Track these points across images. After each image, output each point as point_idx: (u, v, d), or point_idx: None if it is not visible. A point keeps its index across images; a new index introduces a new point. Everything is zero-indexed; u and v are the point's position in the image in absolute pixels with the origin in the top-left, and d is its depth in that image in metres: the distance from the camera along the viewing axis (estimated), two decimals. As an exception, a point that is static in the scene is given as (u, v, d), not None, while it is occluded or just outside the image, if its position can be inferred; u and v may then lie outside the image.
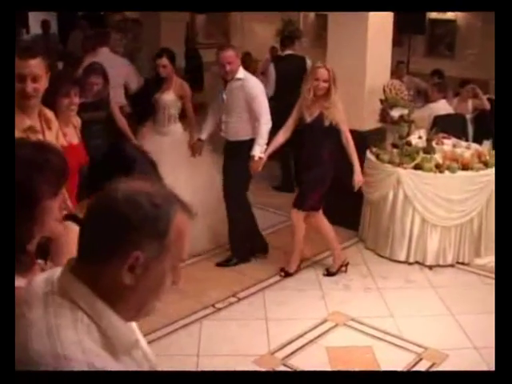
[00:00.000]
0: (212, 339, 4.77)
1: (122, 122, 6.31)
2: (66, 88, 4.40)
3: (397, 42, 7.03)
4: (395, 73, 9.30)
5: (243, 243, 6.14)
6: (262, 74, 12.05)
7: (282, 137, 5.84)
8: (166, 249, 1.49)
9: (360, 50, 6.56)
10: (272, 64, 8.55)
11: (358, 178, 5.77)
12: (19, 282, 1.83)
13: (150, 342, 4.78)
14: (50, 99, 4.05)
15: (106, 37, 8.05)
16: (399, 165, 6.05)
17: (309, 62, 8.15)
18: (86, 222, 1.53)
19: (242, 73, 5.81)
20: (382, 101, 6.42)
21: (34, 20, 15.23)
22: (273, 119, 5.85)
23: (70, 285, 1.49)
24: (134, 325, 1.63)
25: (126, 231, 1.44)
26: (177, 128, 6.44)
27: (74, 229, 2.35)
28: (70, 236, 2.32)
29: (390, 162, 6.12)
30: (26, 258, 1.98)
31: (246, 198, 6.12)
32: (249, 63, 12.55)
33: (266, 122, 5.74)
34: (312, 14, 14.10)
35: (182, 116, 6.52)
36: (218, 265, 6.05)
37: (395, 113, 6.27)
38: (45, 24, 13.67)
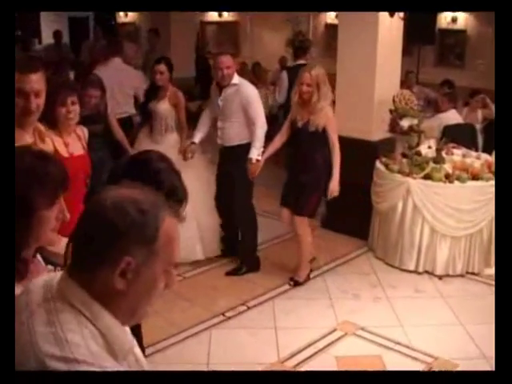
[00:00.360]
0: (222, 347, 4.78)
1: (120, 134, 6.27)
2: (63, 96, 4.19)
3: (406, 52, 7.05)
4: (405, 83, 9.32)
5: (252, 252, 6.17)
6: (272, 84, 12.12)
7: (278, 140, 5.91)
8: (156, 254, 1.52)
9: (370, 60, 6.58)
10: (285, 72, 8.64)
11: (333, 186, 5.67)
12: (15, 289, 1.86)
13: (160, 351, 4.82)
14: (48, 109, 3.93)
15: (118, 46, 8.08)
16: (409, 175, 6.06)
17: None
18: (77, 229, 1.55)
19: (237, 78, 5.92)
20: (391, 111, 6.43)
21: (47, 30, 15.36)
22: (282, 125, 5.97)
23: (68, 289, 1.52)
24: (127, 329, 1.65)
25: (114, 238, 1.47)
26: (173, 137, 6.34)
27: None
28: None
29: (400, 172, 6.13)
30: (20, 265, 2.00)
31: (252, 205, 6.16)
32: (258, 73, 12.61)
33: (261, 126, 5.85)
34: (322, 25, 14.13)
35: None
36: (228, 274, 6.07)
37: (405, 123, 6.28)
38: (57, 34, 13.80)
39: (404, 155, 6.34)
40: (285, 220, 5.96)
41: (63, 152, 4.11)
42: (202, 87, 12.86)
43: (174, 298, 5.45)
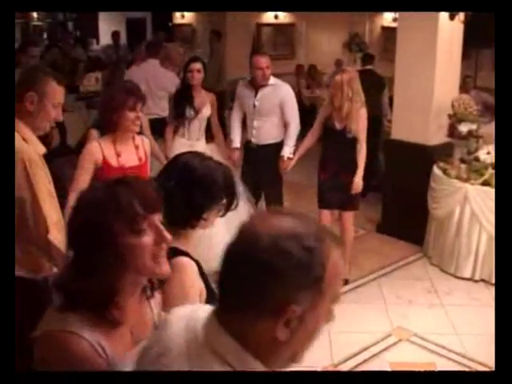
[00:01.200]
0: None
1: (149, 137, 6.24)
2: (133, 101, 3.88)
3: (464, 56, 6.96)
4: (462, 87, 9.19)
5: None
6: (327, 87, 12.10)
7: (309, 140, 6.00)
8: (323, 295, 1.32)
9: (429, 64, 6.52)
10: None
11: (357, 182, 5.73)
12: (106, 343, 1.68)
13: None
14: (111, 113, 3.87)
15: (155, 48, 8.18)
16: (467, 180, 5.98)
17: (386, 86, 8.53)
18: (226, 270, 1.35)
19: (272, 79, 6.07)
20: (450, 115, 6.37)
21: (105, 31, 15.65)
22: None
23: (220, 341, 1.33)
24: None
25: (277, 284, 1.26)
26: (203, 141, 6.24)
27: (186, 264, 2.26)
28: (184, 274, 2.22)
29: (458, 178, 6.06)
30: (114, 312, 1.71)
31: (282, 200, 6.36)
32: (314, 75, 12.62)
33: (296, 126, 6.10)
34: (378, 27, 14.05)
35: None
36: None
37: (463, 128, 6.21)
38: (115, 35, 14.04)
39: (462, 160, 6.26)
40: (325, 221, 5.91)
41: (113, 162, 3.90)
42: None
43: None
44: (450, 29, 6.49)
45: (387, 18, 13.72)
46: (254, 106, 6.10)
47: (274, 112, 6.09)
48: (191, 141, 6.09)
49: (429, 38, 6.47)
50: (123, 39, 15.36)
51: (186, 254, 2.28)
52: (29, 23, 16.09)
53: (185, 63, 6.36)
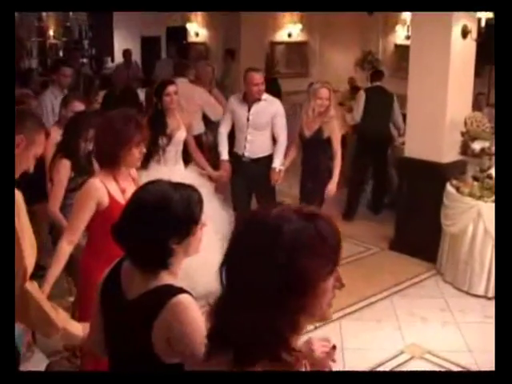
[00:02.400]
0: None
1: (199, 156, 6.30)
2: (140, 139, 3.60)
3: (477, 74, 6.98)
4: (475, 104, 9.21)
5: None
6: (339, 104, 12.14)
7: (293, 151, 6.53)
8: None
9: (442, 82, 6.55)
10: (363, 92, 8.87)
11: (331, 187, 6.21)
12: None
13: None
14: (117, 149, 3.54)
15: (182, 67, 8.27)
16: (480, 198, 5.99)
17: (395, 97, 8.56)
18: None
19: (264, 94, 6.35)
20: (463, 133, 6.39)
21: (119, 49, 15.78)
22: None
23: None
24: None
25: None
26: (180, 166, 6.02)
27: (191, 300, 2.23)
28: (194, 310, 2.21)
29: (471, 195, 6.06)
30: (288, 357, 1.57)
31: None
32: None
33: (285, 139, 6.40)
34: (391, 45, 14.10)
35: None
36: None
37: (477, 145, 6.23)
38: (126, 53, 14.15)
39: (475, 178, 6.27)
40: None
41: (120, 199, 3.56)
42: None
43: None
44: (462, 46, 6.53)
45: (400, 36, 13.76)
46: (248, 119, 6.31)
47: (265, 125, 6.37)
48: (168, 166, 5.84)
49: (441, 56, 6.51)
50: (138, 57, 15.50)
51: (182, 290, 2.24)
52: (45, 42, 16.27)
53: (157, 86, 6.07)
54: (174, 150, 5.91)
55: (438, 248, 6.58)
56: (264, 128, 6.38)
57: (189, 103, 7.56)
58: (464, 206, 6.08)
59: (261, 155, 6.43)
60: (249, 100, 6.35)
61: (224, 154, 6.48)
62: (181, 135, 5.91)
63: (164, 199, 2.24)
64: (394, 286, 6.26)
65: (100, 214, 3.56)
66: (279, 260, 1.47)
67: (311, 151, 6.30)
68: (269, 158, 6.41)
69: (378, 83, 8.79)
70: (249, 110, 6.34)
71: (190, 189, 2.34)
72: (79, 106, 5.62)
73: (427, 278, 6.49)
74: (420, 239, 6.65)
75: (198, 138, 7.19)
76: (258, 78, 6.26)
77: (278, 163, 6.35)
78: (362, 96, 8.70)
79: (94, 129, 4.07)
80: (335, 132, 6.24)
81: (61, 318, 2.84)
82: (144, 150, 3.66)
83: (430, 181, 6.60)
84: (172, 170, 5.73)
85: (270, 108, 6.37)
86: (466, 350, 5.09)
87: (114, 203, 3.54)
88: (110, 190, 3.59)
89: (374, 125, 8.27)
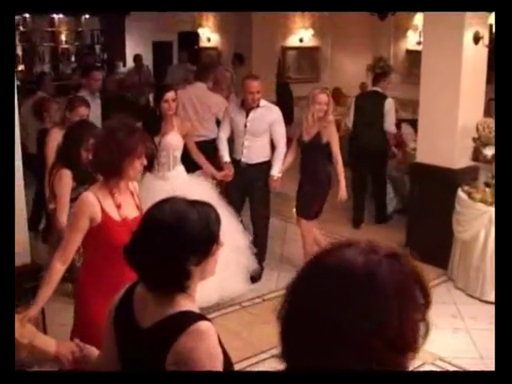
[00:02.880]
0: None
1: (197, 157, 6.27)
2: (141, 150, 3.41)
3: (489, 79, 6.95)
4: (487, 110, 9.17)
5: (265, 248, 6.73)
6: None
7: (290, 156, 6.61)
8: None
9: (454, 88, 6.54)
10: (353, 98, 8.89)
11: (342, 193, 6.40)
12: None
13: (240, 370, 4.85)
14: (119, 160, 3.31)
15: (201, 71, 8.24)
16: (492, 204, 5.96)
17: (389, 101, 8.31)
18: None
19: (262, 101, 6.38)
20: (474, 139, 6.37)
21: (131, 54, 15.83)
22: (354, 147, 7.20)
23: None
24: None
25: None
26: (177, 170, 5.93)
27: (210, 328, 2.17)
28: (213, 338, 2.16)
29: (482, 201, 6.04)
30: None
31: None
32: (338, 98, 12.64)
33: (283, 146, 6.46)
34: (402, 51, 14.08)
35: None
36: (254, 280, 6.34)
37: (488, 151, 6.21)
38: (137, 58, 14.22)
39: (487, 184, 6.24)
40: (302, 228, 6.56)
41: (114, 215, 3.34)
42: (283, 112, 12.96)
43: (253, 320, 5.53)
44: (474, 52, 6.51)
45: (411, 41, 13.75)
46: (245, 126, 6.33)
47: (263, 132, 6.39)
48: (162, 172, 5.82)
49: (453, 62, 6.49)
50: (149, 62, 15.54)
51: (203, 317, 2.16)
52: (58, 47, 16.35)
53: (156, 91, 6.13)
54: (166, 155, 5.81)
55: (450, 254, 6.56)
56: (261, 134, 6.41)
57: (204, 109, 7.58)
58: (476, 213, 6.05)
59: (258, 161, 6.46)
60: (246, 106, 6.37)
61: (225, 157, 6.52)
62: (171, 139, 5.79)
63: (181, 218, 2.12)
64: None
65: (93, 231, 3.33)
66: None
67: (310, 155, 6.37)
68: (266, 164, 6.47)
69: (376, 88, 8.59)
70: (247, 117, 6.35)
71: (207, 206, 2.23)
72: (84, 111, 5.67)
73: (438, 284, 6.46)
74: (431, 245, 6.62)
75: (210, 143, 7.19)
76: (255, 86, 6.23)
77: (276, 170, 6.40)
78: (352, 103, 8.67)
79: (95, 138, 3.93)
80: (334, 136, 6.32)
81: (26, 331, 2.45)
82: (145, 162, 3.45)
83: (441, 187, 6.58)
84: (165, 175, 5.78)
85: (269, 115, 6.39)
86: (477, 357, 5.07)
87: (108, 220, 3.32)
88: (104, 204, 3.33)
89: (364, 131, 8.18)
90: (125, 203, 3.40)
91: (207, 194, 5.54)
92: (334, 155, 6.33)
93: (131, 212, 3.43)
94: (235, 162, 6.51)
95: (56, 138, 5.24)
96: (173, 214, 2.13)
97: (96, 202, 3.29)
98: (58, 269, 3.29)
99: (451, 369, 4.88)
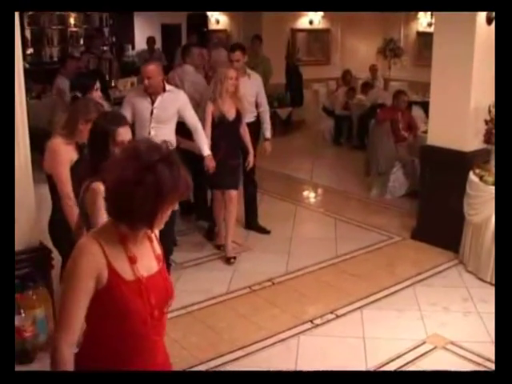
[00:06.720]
0: (309, 354, 4.80)
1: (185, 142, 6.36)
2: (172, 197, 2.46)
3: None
4: (499, 93, 9.12)
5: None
6: (362, 92, 12.10)
7: (209, 134, 6.51)
8: None
9: (466, 69, 6.45)
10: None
11: (251, 158, 6.88)
12: None
13: (249, 354, 4.88)
14: (153, 206, 2.30)
15: (186, 53, 8.23)
16: (504, 187, 5.92)
17: None
18: None
19: (167, 86, 6.06)
20: (487, 121, 6.30)
21: (140, 37, 15.80)
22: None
23: None
24: None
25: None
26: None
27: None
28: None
29: (494, 184, 5.99)
30: None
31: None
32: (348, 80, 12.60)
33: (201, 128, 6.24)
34: (413, 33, 13.98)
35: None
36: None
37: (500, 134, 6.14)
38: (150, 40, 14.16)
39: (499, 167, 6.19)
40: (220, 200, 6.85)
41: (126, 274, 2.32)
42: (292, 94, 12.93)
43: (263, 303, 5.53)
44: (487, 33, 6.40)
45: (422, 23, 13.65)
46: (152, 113, 5.91)
47: (172, 118, 6.04)
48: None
49: (466, 43, 6.40)
50: (158, 45, 15.50)
51: None
52: (66, 30, 16.38)
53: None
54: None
55: (461, 237, 6.52)
56: (169, 121, 6.00)
57: (195, 91, 7.50)
58: (487, 196, 6.00)
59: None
60: (149, 92, 5.92)
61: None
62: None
63: None
64: (416, 275, 6.21)
65: (96, 295, 2.30)
66: None
67: (234, 132, 6.64)
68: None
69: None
70: (152, 104, 5.92)
71: None
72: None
73: (449, 268, 6.43)
74: (443, 228, 6.60)
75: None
76: (149, 70, 5.82)
77: (206, 150, 6.27)
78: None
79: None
80: (245, 110, 6.75)
81: None
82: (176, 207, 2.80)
83: (453, 169, 6.52)
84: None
85: (176, 99, 6.01)
86: (488, 341, 5.03)
87: (116, 280, 2.30)
88: (111, 258, 2.31)
89: None
90: (141, 255, 2.40)
91: None
92: (242, 128, 6.71)
93: (149, 267, 2.43)
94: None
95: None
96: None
97: (100, 254, 2.29)
98: (67, 354, 2.27)
99: (462, 353, 4.85)
